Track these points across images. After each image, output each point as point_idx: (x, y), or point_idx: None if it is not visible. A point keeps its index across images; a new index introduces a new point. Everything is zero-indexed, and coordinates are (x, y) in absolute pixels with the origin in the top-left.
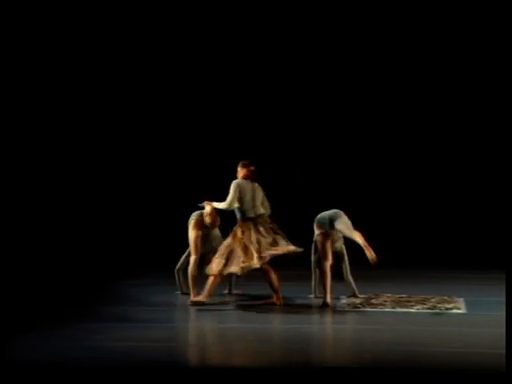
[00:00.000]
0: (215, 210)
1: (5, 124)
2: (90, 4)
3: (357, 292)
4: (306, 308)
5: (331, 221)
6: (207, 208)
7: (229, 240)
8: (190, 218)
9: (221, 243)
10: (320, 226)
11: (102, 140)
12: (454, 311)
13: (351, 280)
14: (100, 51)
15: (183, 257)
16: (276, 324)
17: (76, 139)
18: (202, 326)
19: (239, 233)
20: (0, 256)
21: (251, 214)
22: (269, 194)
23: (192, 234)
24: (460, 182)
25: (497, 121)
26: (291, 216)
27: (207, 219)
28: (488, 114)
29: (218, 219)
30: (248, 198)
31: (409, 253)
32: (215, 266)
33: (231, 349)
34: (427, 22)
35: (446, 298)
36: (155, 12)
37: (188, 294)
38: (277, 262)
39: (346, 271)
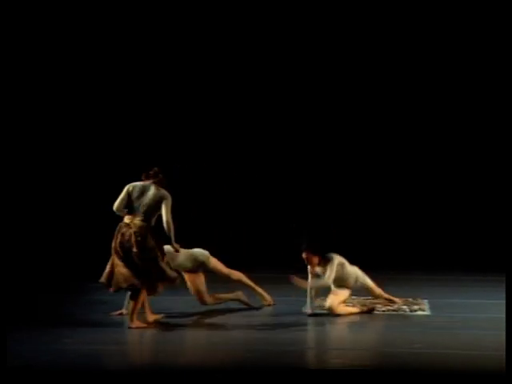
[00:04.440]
0: None
1: None
2: (89, 4)
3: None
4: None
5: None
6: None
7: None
8: None
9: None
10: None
11: (90, 141)
12: (419, 313)
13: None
14: (97, 52)
15: None
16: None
17: (67, 138)
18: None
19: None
20: None
21: None
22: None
23: None
24: (432, 184)
25: (496, 124)
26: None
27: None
28: (487, 114)
29: None
30: None
31: (374, 255)
32: None
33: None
34: (427, 22)
35: (410, 299)
36: (150, 12)
37: None
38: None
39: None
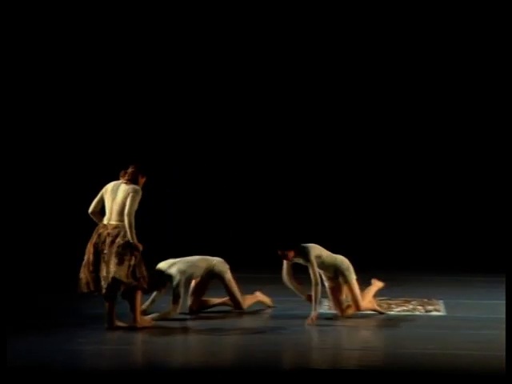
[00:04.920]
0: None
1: None
2: (89, 4)
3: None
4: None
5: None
6: None
7: None
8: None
9: None
10: None
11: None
12: (434, 313)
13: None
14: (96, 52)
15: None
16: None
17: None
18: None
19: None
20: None
21: None
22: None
23: None
24: (439, 185)
25: (496, 124)
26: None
27: None
28: (487, 115)
29: None
30: None
31: (389, 255)
32: None
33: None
34: (427, 22)
35: (425, 300)
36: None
37: None
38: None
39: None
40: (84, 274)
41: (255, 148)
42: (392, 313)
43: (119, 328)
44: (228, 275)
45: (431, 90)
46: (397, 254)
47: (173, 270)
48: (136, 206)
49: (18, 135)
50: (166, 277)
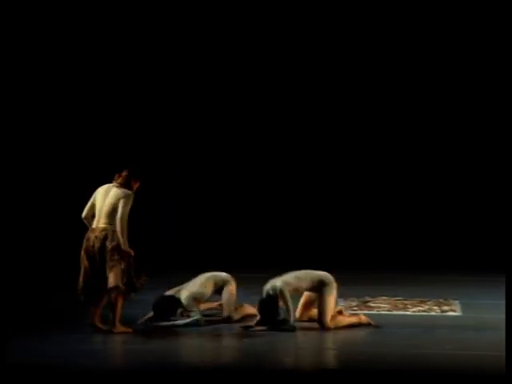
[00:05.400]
0: None
1: None
2: (89, 4)
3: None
4: None
5: None
6: None
7: None
8: None
9: None
10: None
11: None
12: (450, 314)
13: None
14: (95, 52)
15: None
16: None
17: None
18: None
19: None
20: None
21: None
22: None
23: None
24: (456, 185)
25: (496, 124)
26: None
27: None
28: (487, 115)
29: None
30: None
31: (405, 256)
32: None
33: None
34: (427, 22)
35: (441, 300)
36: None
37: None
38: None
39: None
40: (82, 282)
41: (255, 148)
42: (408, 313)
43: (100, 329)
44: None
45: (429, 93)
46: (413, 255)
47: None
48: (128, 211)
49: (18, 136)
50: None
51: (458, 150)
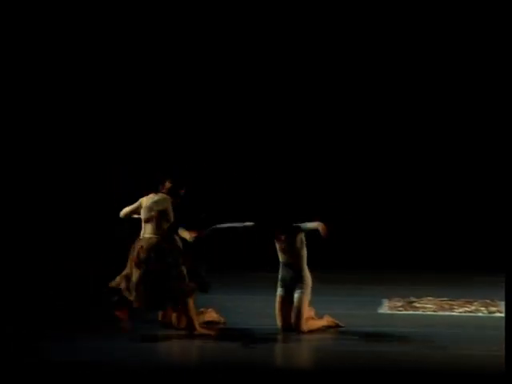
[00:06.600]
0: None
1: None
2: (89, 4)
3: None
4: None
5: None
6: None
7: None
8: None
9: None
10: None
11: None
12: (497, 315)
13: None
14: (96, 53)
15: None
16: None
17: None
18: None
19: None
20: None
21: None
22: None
23: None
24: (481, 186)
25: (495, 125)
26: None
27: None
28: (487, 115)
29: None
30: None
31: (451, 257)
32: None
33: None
34: (427, 22)
35: (488, 301)
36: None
37: None
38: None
39: None
40: (133, 291)
41: (255, 148)
42: (454, 313)
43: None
44: None
45: (430, 92)
46: (459, 255)
47: None
48: (172, 215)
49: (18, 136)
50: None
51: (460, 151)
